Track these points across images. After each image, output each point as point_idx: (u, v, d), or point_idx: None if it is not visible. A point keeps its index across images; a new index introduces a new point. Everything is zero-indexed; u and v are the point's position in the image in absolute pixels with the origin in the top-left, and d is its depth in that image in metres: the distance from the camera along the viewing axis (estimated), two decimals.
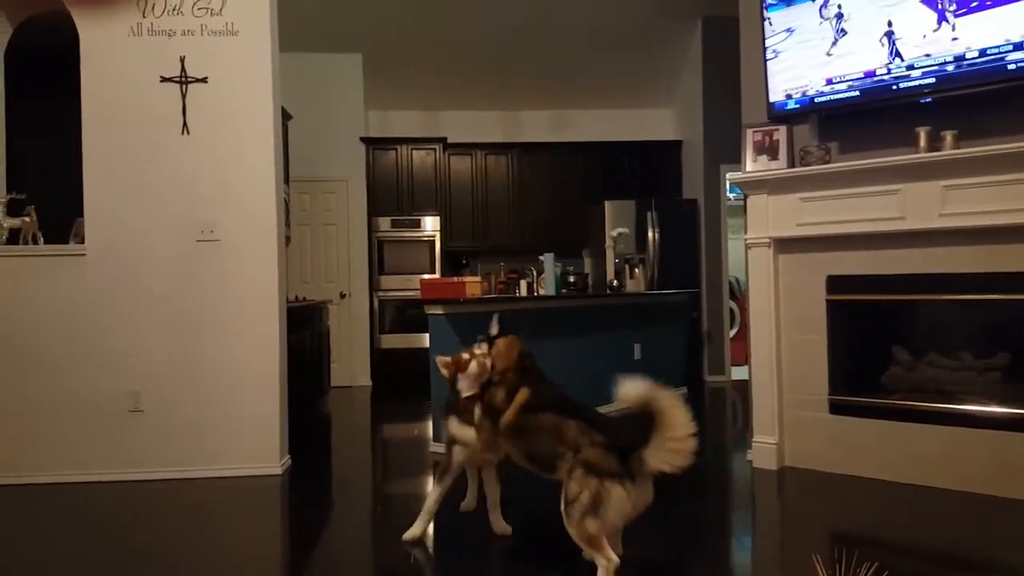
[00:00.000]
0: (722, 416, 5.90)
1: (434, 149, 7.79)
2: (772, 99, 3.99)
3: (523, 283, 6.40)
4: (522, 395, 2.60)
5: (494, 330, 2.80)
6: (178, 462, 3.89)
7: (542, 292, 5.89)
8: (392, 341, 7.61)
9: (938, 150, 3.43)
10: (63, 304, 3.87)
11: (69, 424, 3.86)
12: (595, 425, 2.42)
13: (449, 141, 7.88)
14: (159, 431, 3.89)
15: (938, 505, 3.26)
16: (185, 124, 3.92)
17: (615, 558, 2.28)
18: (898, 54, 3.55)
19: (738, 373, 7.36)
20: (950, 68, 3.39)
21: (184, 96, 3.92)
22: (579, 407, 2.52)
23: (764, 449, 3.97)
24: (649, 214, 7.36)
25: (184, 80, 3.92)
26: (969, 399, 3.54)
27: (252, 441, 3.94)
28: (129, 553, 2.86)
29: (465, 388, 2.74)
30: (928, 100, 3.50)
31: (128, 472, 3.86)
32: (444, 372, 2.84)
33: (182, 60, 3.92)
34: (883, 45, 3.60)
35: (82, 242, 3.92)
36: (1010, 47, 3.22)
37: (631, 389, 2.27)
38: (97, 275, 3.89)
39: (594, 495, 2.27)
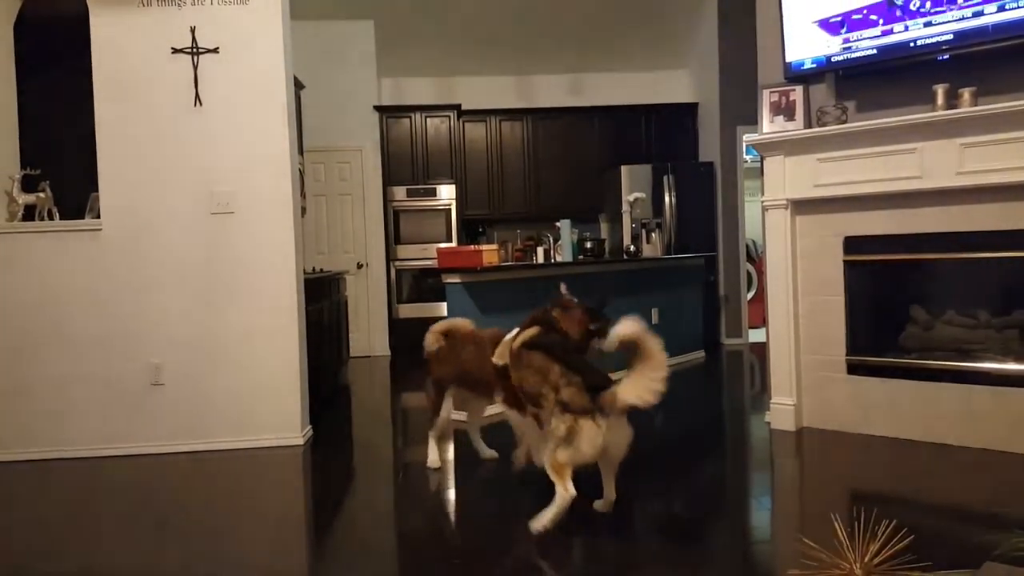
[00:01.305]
0: (740, 379, 5.90)
1: (448, 116, 7.74)
2: (789, 59, 3.92)
3: (540, 250, 6.40)
4: (530, 332, 2.85)
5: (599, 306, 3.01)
6: (200, 434, 3.95)
7: (559, 259, 5.89)
8: (410, 311, 7.66)
9: (956, 108, 3.37)
10: (80, 279, 3.91)
11: (90, 398, 3.91)
12: (575, 369, 2.61)
13: (463, 108, 7.83)
14: (180, 404, 3.94)
15: (954, 463, 3.26)
16: (197, 95, 3.93)
17: (572, 491, 2.51)
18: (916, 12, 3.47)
19: (755, 336, 7.35)
20: (968, 24, 3.32)
21: (196, 67, 3.92)
22: (569, 354, 2.71)
23: (782, 410, 3.99)
24: (665, 178, 7.30)
25: (195, 51, 3.92)
26: (986, 357, 3.53)
27: (273, 412, 3.99)
28: (153, 525, 2.93)
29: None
30: (946, 58, 3.43)
31: (150, 445, 3.92)
32: None
33: (192, 30, 3.91)
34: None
35: (98, 217, 3.95)
36: None
37: (626, 326, 2.48)
38: (114, 249, 3.92)
39: (568, 429, 2.50)
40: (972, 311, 3.70)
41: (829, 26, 3.76)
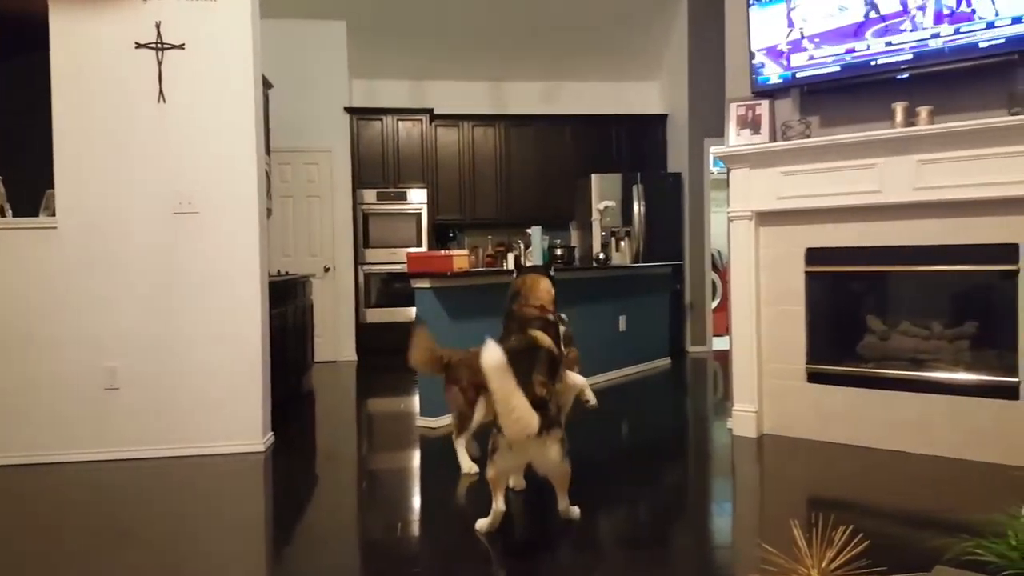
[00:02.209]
0: (703, 386, 5.97)
1: (420, 120, 7.73)
2: (755, 74, 4.00)
3: (510, 256, 6.41)
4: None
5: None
6: (156, 440, 3.86)
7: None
8: (378, 315, 7.61)
9: (914, 125, 3.47)
10: (33, 279, 3.80)
11: (41, 403, 3.79)
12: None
13: (436, 112, 7.82)
14: (136, 409, 3.85)
15: (909, 469, 3.35)
16: (161, 92, 3.86)
17: (502, 507, 2.61)
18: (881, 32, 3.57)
19: (719, 344, 7.45)
20: (926, 46, 3.43)
21: (160, 63, 3.85)
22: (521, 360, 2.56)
23: (744, 417, 4.05)
24: (635, 187, 7.38)
25: (160, 47, 3.85)
26: (939, 367, 3.63)
27: (234, 418, 3.92)
28: (107, 535, 2.85)
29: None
30: (905, 76, 3.53)
31: (106, 451, 3.82)
32: None
33: (158, 26, 3.85)
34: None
35: (53, 215, 3.84)
36: (983, 25, 3.26)
37: (484, 356, 2.30)
38: (69, 249, 3.82)
39: (493, 442, 2.56)
40: (926, 322, 3.80)
41: (775, 54, 3.85)
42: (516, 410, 2.34)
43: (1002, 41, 3.23)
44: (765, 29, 3.94)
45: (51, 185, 3.87)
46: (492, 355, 2.29)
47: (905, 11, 3.49)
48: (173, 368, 3.88)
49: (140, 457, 3.83)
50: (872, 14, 3.59)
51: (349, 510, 3.14)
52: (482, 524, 2.67)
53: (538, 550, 2.58)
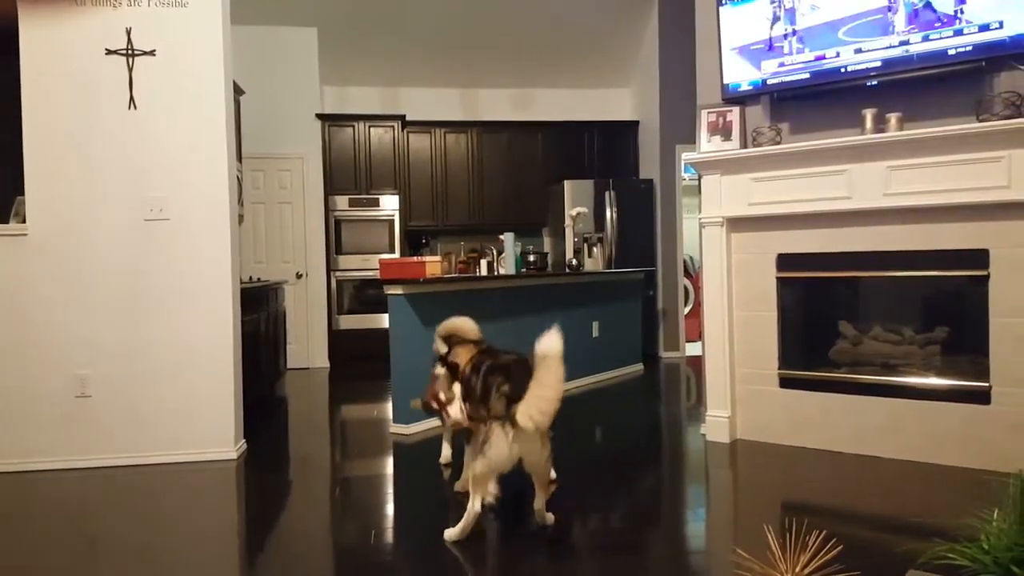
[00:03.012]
0: (677, 391, 6.01)
1: (392, 126, 7.70)
2: (726, 80, 4.04)
3: (483, 262, 6.39)
4: (471, 358, 2.88)
5: (443, 349, 3.09)
6: (127, 449, 3.82)
7: (502, 271, 5.90)
8: (351, 322, 7.55)
9: (883, 132, 3.53)
10: (3, 286, 3.75)
11: (10, 411, 3.75)
12: (513, 376, 2.60)
13: (408, 119, 7.80)
14: (107, 417, 3.80)
15: (882, 474, 3.39)
16: (132, 98, 3.82)
17: (478, 508, 2.58)
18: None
19: (692, 349, 7.50)
20: (895, 52, 3.49)
21: (131, 69, 3.81)
22: (516, 364, 2.69)
23: (717, 423, 4.07)
24: (607, 193, 7.42)
25: (130, 53, 3.81)
26: (910, 372, 3.68)
27: (205, 426, 3.89)
28: (77, 544, 2.80)
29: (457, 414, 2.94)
30: (874, 83, 3.59)
31: (76, 459, 3.77)
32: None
33: (128, 32, 3.81)
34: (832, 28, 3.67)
35: (23, 221, 3.80)
36: (950, 33, 3.33)
37: (546, 341, 2.45)
38: (39, 256, 3.77)
39: (484, 435, 2.55)
40: (897, 327, 3.86)
41: (751, 53, 3.90)
42: (557, 396, 2.39)
43: (970, 48, 3.30)
44: (736, 35, 3.99)
45: (21, 191, 3.82)
46: (554, 342, 2.44)
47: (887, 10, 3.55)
48: (144, 375, 3.83)
49: (111, 465, 3.78)
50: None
51: (322, 518, 3.10)
52: (451, 533, 2.64)
53: (511, 558, 2.57)
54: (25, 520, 3.10)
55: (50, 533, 2.92)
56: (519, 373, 2.62)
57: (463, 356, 3.01)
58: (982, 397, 3.38)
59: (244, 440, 4.10)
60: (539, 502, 2.75)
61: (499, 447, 2.51)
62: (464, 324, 3.51)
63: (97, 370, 3.80)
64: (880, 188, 3.55)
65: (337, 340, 7.54)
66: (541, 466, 2.63)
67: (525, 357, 2.75)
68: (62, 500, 3.35)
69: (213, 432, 3.89)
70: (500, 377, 2.65)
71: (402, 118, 7.74)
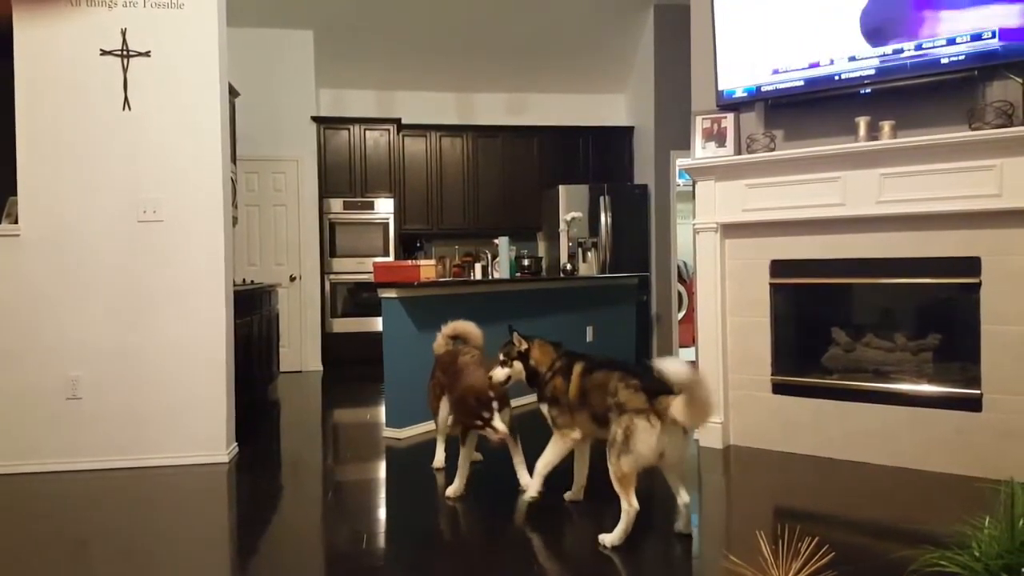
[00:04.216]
0: None
1: (388, 130, 7.70)
2: (721, 87, 4.05)
3: (478, 266, 6.39)
4: (578, 366, 2.86)
5: (523, 346, 3.03)
6: (119, 451, 3.78)
7: (497, 275, 5.90)
8: (344, 325, 7.54)
9: (876, 139, 3.54)
10: None
11: (1, 412, 3.71)
12: (632, 372, 2.66)
13: (403, 122, 7.80)
14: (99, 419, 3.77)
15: (874, 480, 3.39)
16: (126, 99, 3.80)
17: (636, 504, 2.54)
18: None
19: (686, 355, 7.51)
20: (889, 61, 3.51)
21: (125, 70, 3.80)
22: (620, 362, 2.79)
23: (710, 428, 4.07)
24: (602, 199, 7.43)
25: (125, 54, 3.79)
26: (902, 378, 3.69)
27: (197, 429, 3.86)
28: (68, 547, 2.78)
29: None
30: (868, 91, 3.61)
31: (67, 462, 3.74)
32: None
33: (123, 33, 3.79)
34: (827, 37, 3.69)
35: (15, 222, 3.77)
36: (943, 42, 3.35)
37: (676, 369, 2.45)
38: (32, 257, 3.75)
39: (624, 430, 2.52)
40: (890, 334, 3.87)
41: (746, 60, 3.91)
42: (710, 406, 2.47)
43: (962, 57, 3.32)
44: (731, 42, 4.00)
45: (14, 192, 3.79)
46: (682, 367, 2.45)
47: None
48: (136, 378, 3.81)
49: (102, 468, 3.75)
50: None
51: (314, 522, 3.09)
52: (611, 538, 2.58)
53: (503, 562, 2.56)
54: (15, 523, 3.08)
55: (40, 536, 2.90)
56: (628, 367, 2.72)
57: (544, 355, 3.00)
58: (974, 404, 3.39)
59: (236, 443, 4.08)
60: (684, 497, 2.69)
61: (646, 440, 2.50)
62: (470, 329, 3.55)
63: (89, 372, 3.77)
64: (873, 195, 3.56)
65: (330, 343, 7.52)
66: (682, 459, 2.65)
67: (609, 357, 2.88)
68: (53, 502, 3.33)
69: (205, 435, 3.87)
70: (617, 372, 2.67)
71: (397, 121, 7.74)
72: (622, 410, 2.57)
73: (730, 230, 4.08)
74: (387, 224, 7.62)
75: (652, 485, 3.53)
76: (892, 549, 2.52)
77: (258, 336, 5.32)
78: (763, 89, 3.91)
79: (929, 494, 3.20)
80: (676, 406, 2.48)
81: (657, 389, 2.53)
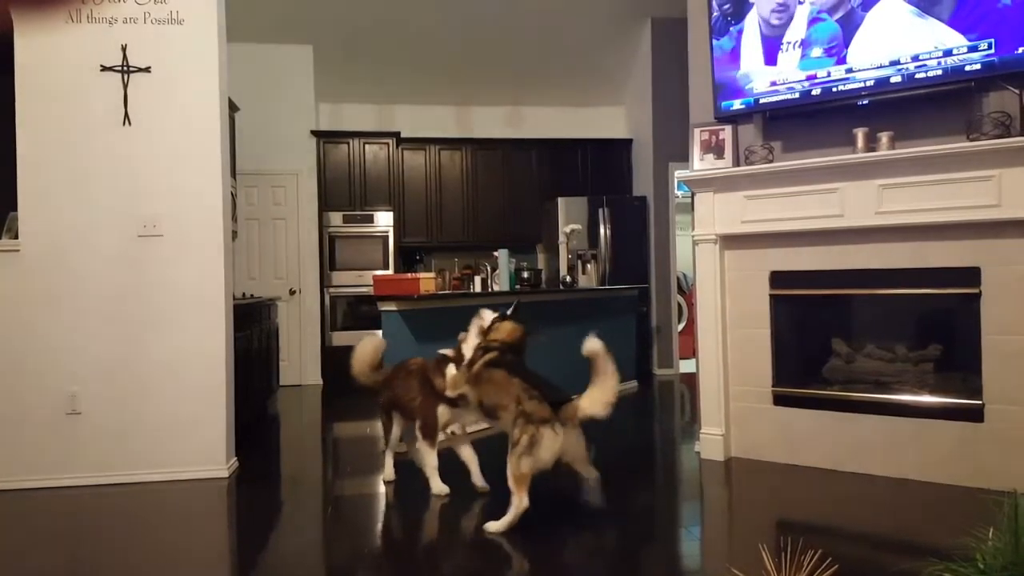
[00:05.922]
0: (671, 408, 6.00)
1: (387, 143, 7.72)
2: (718, 99, 4.07)
3: (477, 279, 6.40)
4: (491, 355, 3.12)
5: (508, 311, 3.33)
6: (120, 466, 3.76)
7: (496, 288, 5.90)
8: (344, 338, 7.51)
9: (875, 151, 3.55)
10: None
11: (1, 428, 3.69)
12: (535, 385, 2.92)
13: (402, 136, 7.82)
14: (98, 434, 3.75)
15: (876, 492, 3.38)
16: (127, 115, 3.81)
17: (527, 503, 2.76)
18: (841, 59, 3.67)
19: (686, 366, 7.49)
20: (886, 72, 3.52)
21: (126, 86, 3.81)
22: (528, 373, 3.01)
23: (711, 440, 4.06)
24: (601, 211, 7.44)
25: (126, 69, 3.81)
26: (903, 389, 3.68)
27: (197, 443, 3.84)
28: (67, 563, 2.77)
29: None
30: (866, 103, 3.62)
31: (66, 477, 3.72)
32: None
33: (124, 49, 3.81)
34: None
35: (16, 237, 3.77)
36: (940, 53, 3.37)
37: (590, 343, 2.91)
38: (32, 272, 3.74)
39: (531, 438, 2.76)
40: (890, 345, 3.87)
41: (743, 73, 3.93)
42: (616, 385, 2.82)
43: (960, 69, 3.32)
44: (728, 54, 4.02)
45: (14, 207, 3.80)
46: (597, 343, 2.90)
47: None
48: (136, 393, 3.79)
49: (102, 483, 3.73)
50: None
51: (314, 536, 3.08)
52: (496, 526, 2.77)
53: (504, 573, 2.55)
54: (13, 539, 3.06)
55: (38, 551, 2.88)
56: (524, 375, 2.99)
57: (504, 332, 3.25)
58: (975, 415, 3.38)
59: (236, 458, 4.06)
60: (589, 471, 3.01)
61: (550, 447, 2.76)
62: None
63: (88, 386, 3.76)
64: (872, 206, 3.56)
65: (330, 357, 7.49)
66: (582, 452, 2.93)
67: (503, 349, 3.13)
68: (51, 518, 3.32)
69: (204, 450, 3.85)
70: (517, 381, 2.93)
71: (397, 135, 7.76)
72: (528, 419, 2.80)
73: (729, 241, 4.09)
74: (387, 237, 7.62)
75: (652, 498, 3.51)
76: (896, 562, 2.50)
77: (258, 350, 5.32)
78: (761, 101, 3.93)
79: (932, 506, 3.18)
80: (585, 402, 2.78)
81: (558, 400, 2.82)
